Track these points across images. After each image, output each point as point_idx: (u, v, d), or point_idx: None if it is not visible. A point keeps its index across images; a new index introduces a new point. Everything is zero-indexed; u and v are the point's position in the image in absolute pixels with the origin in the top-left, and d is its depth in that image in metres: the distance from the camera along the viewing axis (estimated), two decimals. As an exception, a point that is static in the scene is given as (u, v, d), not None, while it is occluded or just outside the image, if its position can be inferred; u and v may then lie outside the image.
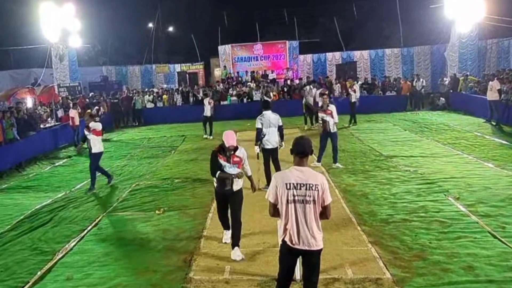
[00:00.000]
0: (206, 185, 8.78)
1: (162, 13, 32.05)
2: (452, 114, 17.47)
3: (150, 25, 31.18)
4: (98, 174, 9.41)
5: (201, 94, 19.78)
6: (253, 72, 24.27)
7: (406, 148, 11.61)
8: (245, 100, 20.68)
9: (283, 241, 3.69)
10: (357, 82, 18.52)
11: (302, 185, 3.58)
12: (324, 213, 3.67)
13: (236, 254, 5.34)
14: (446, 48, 21.51)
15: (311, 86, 16.48)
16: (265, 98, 15.28)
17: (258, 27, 27.67)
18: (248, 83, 22.48)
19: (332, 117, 9.61)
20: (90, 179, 9.32)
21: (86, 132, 9.10)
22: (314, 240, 3.60)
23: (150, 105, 21.14)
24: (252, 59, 25.38)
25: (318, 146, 9.77)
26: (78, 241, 6.39)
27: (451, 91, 19.19)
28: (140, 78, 27.25)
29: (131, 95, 21.03)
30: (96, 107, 17.93)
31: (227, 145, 5.26)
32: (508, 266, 4.91)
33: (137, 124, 20.48)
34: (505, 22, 17.53)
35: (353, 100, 16.24)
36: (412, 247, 5.52)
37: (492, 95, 14.38)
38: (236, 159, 5.32)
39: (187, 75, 26.85)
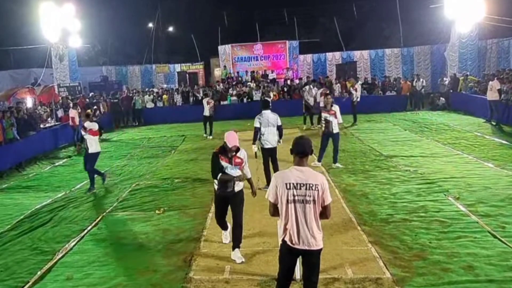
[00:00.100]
0: (206, 185, 8.78)
1: (162, 13, 32.05)
2: (452, 114, 17.47)
3: (150, 25, 31.19)
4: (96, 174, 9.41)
5: (201, 94, 19.79)
6: (253, 72, 24.28)
7: (406, 148, 11.61)
8: (245, 100, 20.68)
9: (283, 241, 3.69)
10: (358, 82, 18.51)
11: (302, 185, 3.58)
12: (324, 213, 3.67)
13: (237, 256, 5.32)
14: (446, 48, 21.51)
15: (311, 86, 16.50)
16: (265, 98, 15.31)
17: (258, 27, 27.67)
18: (248, 83, 22.48)
19: (336, 117, 9.62)
20: (89, 179, 9.32)
21: (82, 132, 9.10)
22: (314, 240, 3.60)
23: (150, 105, 21.15)
24: (252, 59, 25.38)
25: (318, 146, 9.77)
26: (78, 241, 6.39)
27: (451, 91, 19.19)
28: (140, 78, 27.25)
29: (131, 95, 21.03)
30: (95, 107, 17.92)
31: (230, 146, 5.17)
32: (508, 266, 4.91)
33: (137, 124, 20.48)
34: (505, 22, 17.53)
35: (354, 99, 16.27)
36: (412, 247, 5.52)
37: (492, 95, 14.38)
38: (237, 160, 5.26)
39: (187, 75, 26.85)
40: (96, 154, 9.21)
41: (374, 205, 7.22)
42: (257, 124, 8.15)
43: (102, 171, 9.66)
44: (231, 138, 5.18)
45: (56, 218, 7.50)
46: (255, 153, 8.02)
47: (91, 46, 25.73)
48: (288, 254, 3.69)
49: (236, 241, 5.36)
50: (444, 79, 20.70)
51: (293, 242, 3.60)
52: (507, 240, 5.53)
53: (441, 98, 19.52)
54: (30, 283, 5.16)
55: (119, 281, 5.06)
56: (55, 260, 5.74)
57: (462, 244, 5.54)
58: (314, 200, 3.58)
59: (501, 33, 20.58)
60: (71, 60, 21.65)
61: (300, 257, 3.74)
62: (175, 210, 7.50)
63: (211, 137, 15.16)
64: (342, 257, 5.27)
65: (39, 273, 5.40)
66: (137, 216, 7.33)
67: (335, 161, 9.90)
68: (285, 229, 3.66)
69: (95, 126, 9.11)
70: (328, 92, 14.32)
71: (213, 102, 15.78)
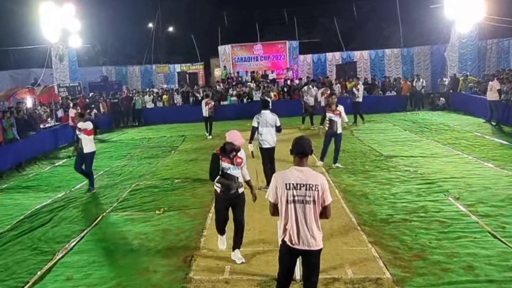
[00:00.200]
0: (206, 185, 8.77)
1: (162, 13, 32.05)
2: (452, 114, 17.47)
3: (150, 25, 31.19)
4: (95, 173, 9.38)
5: (201, 94, 19.81)
6: (253, 72, 24.28)
7: (406, 148, 11.61)
8: (245, 100, 20.69)
9: (283, 241, 3.69)
10: (359, 82, 18.52)
11: (302, 185, 3.58)
12: (324, 213, 3.67)
13: (237, 256, 5.31)
14: (446, 48, 21.52)
15: (310, 86, 16.48)
16: (266, 98, 15.32)
17: (258, 27, 27.68)
18: (248, 83, 22.49)
19: (340, 117, 9.62)
20: (88, 180, 9.30)
21: (77, 132, 9.04)
22: (314, 240, 3.59)
23: (150, 105, 21.15)
24: (252, 59, 25.38)
25: (318, 146, 9.76)
26: (78, 241, 6.39)
27: (451, 91, 19.19)
28: (140, 78, 27.26)
29: (131, 95, 21.04)
30: (92, 105, 17.89)
31: (237, 144, 5.09)
32: (508, 266, 4.91)
33: (137, 124, 20.48)
34: (505, 22, 17.54)
35: (356, 99, 16.26)
36: (412, 247, 5.52)
37: (492, 95, 14.38)
38: (239, 160, 5.20)
39: (187, 75, 26.85)
40: (92, 154, 9.14)
41: (374, 205, 7.22)
42: (254, 124, 8.18)
43: (93, 185, 9.26)
44: (236, 137, 5.09)
45: (56, 218, 7.50)
46: (252, 152, 8.02)
47: (91, 46, 25.73)
48: (288, 254, 3.69)
49: (237, 242, 5.34)
50: (444, 79, 20.71)
51: (293, 242, 3.60)
52: (507, 240, 5.53)
53: (441, 98, 19.52)
54: (30, 283, 5.16)
55: (119, 281, 5.06)
56: (55, 260, 5.74)
57: (462, 244, 5.54)
58: (314, 201, 3.58)
59: (501, 33, 20.59)
60: (71, 60, 21.66)
61: (300, 257, 3.74)
62: (175, 210, 7.50)
63: (210, 136, 15.17)
64: (342, 257, 5.27)
65: (39, 273, 5.40)
66: (137, 216, 7.32)
67: (335, 161, 9.89)
68: (284, 229, 3.65)
69: (89, 126, 9.02)
70: (334, 92, 14.35)
71: (212, 103, 15.80)
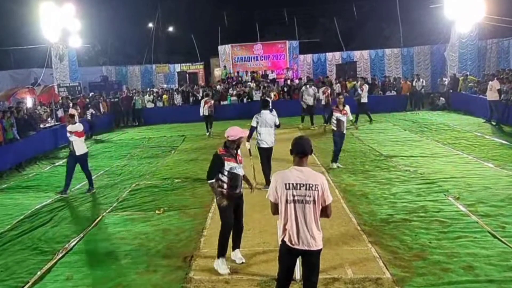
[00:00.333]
0: (206, 185, 8.65)
1: (162, 13, 32.06)
2: (452, 114, 17.47)
3: (150, 25, 31.20)
4: (95, 173, 9.39)
5: (201, 94, 19.82)
6: (253, 72, 24.29)
7: (406, 148, 11.61)
8: (245, 100, 20.69)
9: (283, 241, 3.69)
10: (358, 82, 18.54)
11: (301, 185, 3.58)
12: (325, 212, 3.67)
13: (237, 256, 5.31)
14: (446, 48, 21.52)
15: (307, 86, 16.49)
16: (266, 98, 15.35)
17: (258, 27, 27.68)
18: (248, 83, 22.49)
19: (347, 116, 9.68)
20: (87, 180, 9.31)
21: (68, 135, 8.99)
22: (314, 240, 3.59)
23: (150, 105, 21.15)
24: (252, 59, 25.39)
25: (318, 146, 9.75)
26: (78, 241, 6.39)
27: (451, 91, 19.20)
28: (140, 78, 27.27)
29: (131, 95, 21.04)
30: (90, 107, 17.87)
31: (242, 136, 5.09)
32: (508, 266, 4.91)
33: (137, 124, 20.49)
34: (505, 22, 17.53)
35: (362, 100, 16.24)
36: (412, 247, 5.52)
37: (492, 95, 14.38)
38: (240, 157, 5.21)
39: (187, 75, 26.86)
40: (85, 155, 9.12)
41: (374, 205, 7.22)
42: (253, 123, 8.20)
43: (67, 188, 9.07)
44: (237, 130, 5.09)
45: (56, 218, 7.51)
46: (249, 150, 8.02)
47: (91, 46, 25.74)
48: (287, 254, 3.68)
49: (238, 242, 5.36)
50: (444, 79, 20.70)
51: (293, 242, 3.60)
52: (507, 240, 5.53)
53: (441, 98, 19.53)
54: (30, 283, 5.16)
55: (119, 281, 5.06)
56: (55, 260, 5.74)
57: (462, 244, 5.54)
58: (314, 200, 3.57)
59: (501, 33, 20.58)
60: (71, 60, 21.66)
61: (300, 257, 3.74)
62: (175, 210, 7.50)
63: (208, 132, 15.29)
64: (342, 257, 5.27)
65: (39, 273, 5.40)
66: (137, 216, 7.33)
67: (335, 161, 9.88)
68: (284, 229, 3.65)
69: (79, 128, 9.02)
70: (341, 92, 14.38)
71: (212, 101, 15.84)
